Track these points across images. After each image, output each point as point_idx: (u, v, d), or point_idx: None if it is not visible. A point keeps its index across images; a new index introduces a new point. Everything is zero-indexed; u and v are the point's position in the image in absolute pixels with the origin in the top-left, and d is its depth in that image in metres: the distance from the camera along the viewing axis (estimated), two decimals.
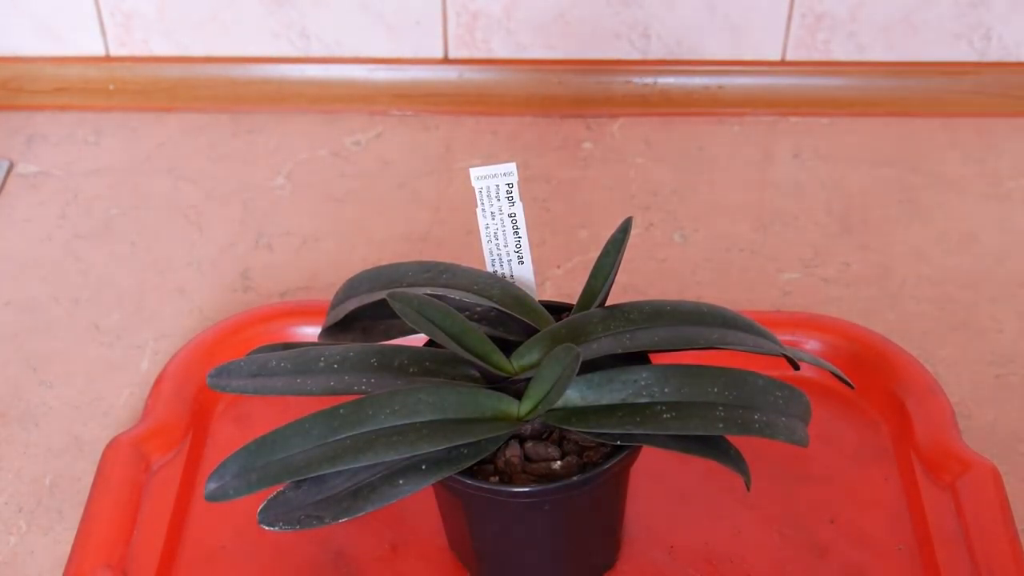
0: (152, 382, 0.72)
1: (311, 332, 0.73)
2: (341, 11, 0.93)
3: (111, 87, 0.96)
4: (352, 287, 0.60)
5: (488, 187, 0.57)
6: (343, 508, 0.50)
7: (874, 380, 0.70)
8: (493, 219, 0.57)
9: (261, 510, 0.51)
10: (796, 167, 0.90)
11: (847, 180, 0.89)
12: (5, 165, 0.91)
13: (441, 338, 0.52)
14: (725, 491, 0.66)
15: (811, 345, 0.72)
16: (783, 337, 0.69)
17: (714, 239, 0.84)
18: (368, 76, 0.95)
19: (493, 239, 0.58)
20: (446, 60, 0.95)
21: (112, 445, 0.67)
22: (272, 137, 0.94)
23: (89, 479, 0.67)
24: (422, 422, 0.50)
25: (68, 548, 0.63)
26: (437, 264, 0.58)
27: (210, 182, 0.90)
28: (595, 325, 0.54)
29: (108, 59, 0.96)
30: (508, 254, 0.58)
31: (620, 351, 0.53)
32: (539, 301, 0.59)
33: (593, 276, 0.57)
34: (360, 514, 0.50)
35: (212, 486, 0.51)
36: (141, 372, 0.76)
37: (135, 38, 0.95)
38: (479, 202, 0.57)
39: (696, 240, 0.84)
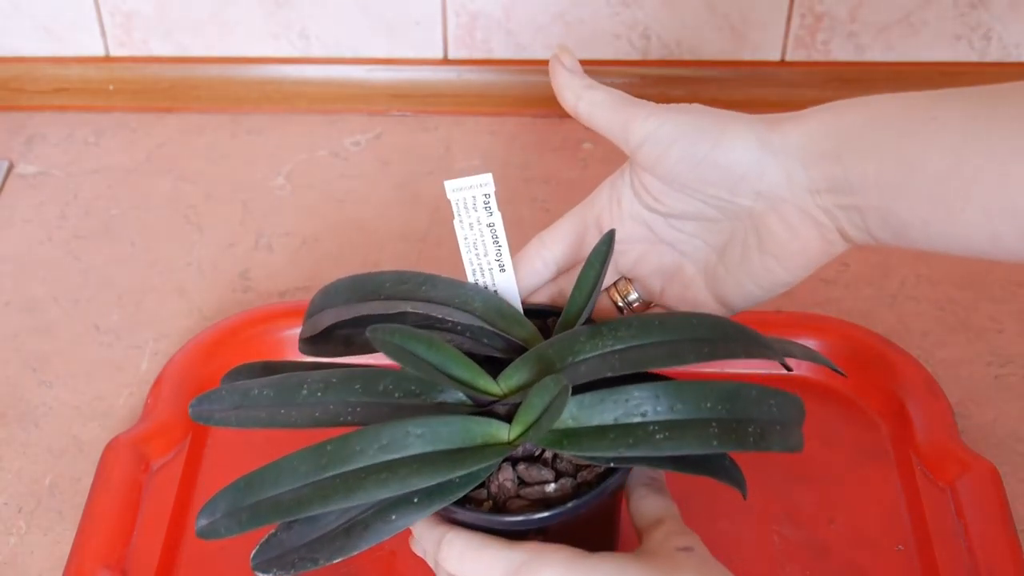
0: (152, 382, 0.72)
1: None
2: (341, 11, 0.93)
3: (111, 87, 0.96)
4: (327, 297, 0.58)
5: (464, 199, 0.55)
6: (336, 547, 0.50)
7: (873, 380, 0.70)
8: (471, 230, 0.56)
9: (254, 555, 0.51)
10: None
11: None
12: (5, 165, 0.91)
13: (425, 370, 0.51)
14: (724, 491, 0.66)
15: (810, 345, 0.72)
16: (782, 338, 0.69)
17: None
18: (367, 76, 0.95)
19: (472, 249, 0.57)
20: (446, 60, 0.95)
21: (112, 445, 0.67)
22: (272, 137, 0.94)
23: (89, 479, 0.67)
24: (412, 456, 0.49)
25: (68, 548, 0.63)
26: (416, 275, 0.57)
27: (210, 182, 0.90)
28: (582, 344, 0.53)
29: (108, 59, 0.96)
30: (489, 263, 0.57)
31: (609, 374, 0.51)
32: (528, 304, 0.59)
33: (577, 288, 0.56)
34: (355, 553, 0.49)
35: (203, 522, 0.50)
36: (141, 372, 0.76)
37: (135, 38, 0.95)
38: (456, 214, 0.56)
39: None
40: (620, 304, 0.61)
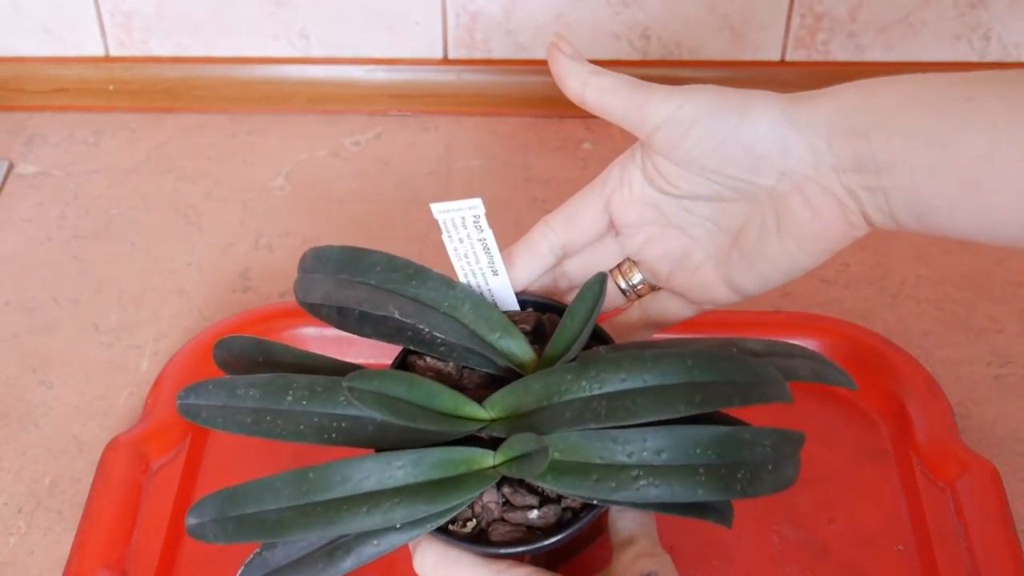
0: (152, 382, 0.72)
1: (310, 333, 0.73)
2: (341, 11, 0.93)
3: (111, 87, 0.96)
4: (318, 261, 0.58)
5: (453, 219, 0.54)
6: (319, 570, 0.50)
7: (874, 380, 0.70)
8: (462, 243, 0.55)
9: (240, 575, 0.52)
10: None
11: None
12: (5, 165, 0.91)
13: (407, 413, 0.50)
14: None
15: (810, 346, 0.72)
16: (782, 339, 0.69)
17: None
18: (368, 76, 0.95)
19: (463, 258, 0.56)
20: (446, 61, 0.95)
21: (112, 445, 0.67)
22: (272, 137, 0.94)
23: (89, 479, 0.67)
24: (394, 488, 0.49)
25: (68, 548, 0.63)
26: (407, 265, 0.56)
27: (210, 182, 0.90)
28: (569, 383, 0.51)
29: (108, 59, 0.96)
30: (481, 269, 0.56)
31: (593, 426, 0.49)
32: (525, 298, 0.58)
33: (570, 316, 0.54)
34: None
35: (192, 521, 0.51)
36: (141, 372, 0.76)
37: (135, 38, 0.95)
38: (444, 231, 0.54)
39: None
40: (623, 287, 0.60)
